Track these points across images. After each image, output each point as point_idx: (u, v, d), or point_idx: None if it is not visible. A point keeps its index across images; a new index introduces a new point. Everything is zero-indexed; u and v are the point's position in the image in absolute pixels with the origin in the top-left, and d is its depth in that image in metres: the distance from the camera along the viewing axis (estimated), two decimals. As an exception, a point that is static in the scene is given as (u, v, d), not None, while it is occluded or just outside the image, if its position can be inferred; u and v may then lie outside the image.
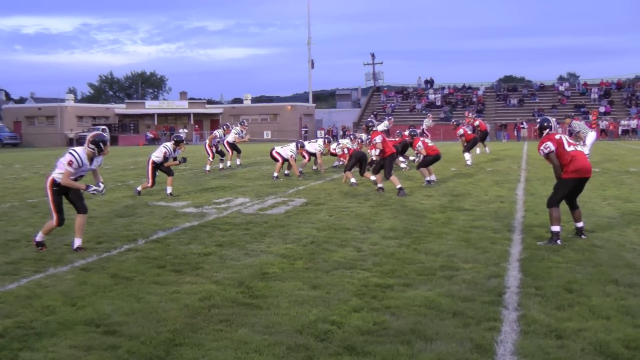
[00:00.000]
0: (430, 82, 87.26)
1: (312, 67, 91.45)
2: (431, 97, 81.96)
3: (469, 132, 27.41)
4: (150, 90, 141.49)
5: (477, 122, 31.58)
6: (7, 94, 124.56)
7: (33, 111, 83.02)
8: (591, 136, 24.18)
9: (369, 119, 17.60)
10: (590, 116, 63.78)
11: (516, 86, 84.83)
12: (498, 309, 6.36)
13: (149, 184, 16.89)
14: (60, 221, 9.76)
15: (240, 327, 5.94)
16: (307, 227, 11.46)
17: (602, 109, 68.80)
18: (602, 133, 57.86)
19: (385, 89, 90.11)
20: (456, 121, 29.12)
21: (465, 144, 26.21)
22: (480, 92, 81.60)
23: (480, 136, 29.08)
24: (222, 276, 7.94)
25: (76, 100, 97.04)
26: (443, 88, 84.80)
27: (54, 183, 9.81)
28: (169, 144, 17.22)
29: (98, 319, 6.26)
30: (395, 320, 6.08)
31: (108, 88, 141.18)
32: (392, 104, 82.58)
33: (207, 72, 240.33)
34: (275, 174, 21.16)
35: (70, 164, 9.31)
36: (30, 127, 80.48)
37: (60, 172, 9.73)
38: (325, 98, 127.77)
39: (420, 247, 9.45)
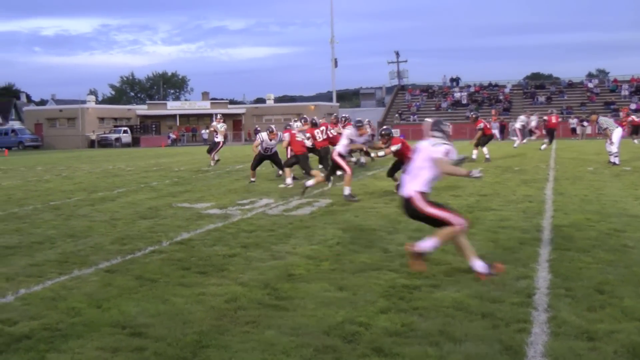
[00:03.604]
0: (455, 80, 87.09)
1: (336, 65, 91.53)
2: (457, 95, 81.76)
3: (489, 127, 27.47)
4: (172, 91, 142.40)
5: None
6: (28, 96, 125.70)
7: (54, 113, 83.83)
8: (617, 132, 24.01)
9: (385, 127, 17.43)
10: (621, 113, 63.26)
11: (544, 83, 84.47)
12: (528, 311, 6.36)
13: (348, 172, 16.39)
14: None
15: (267, 329, 5.99)
16: (332, 228, 11.50)
17: (632, 106, 68.21)
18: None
19: (410, 87, 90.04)
20: (475, 113, 29.09)
21: (479, 138, 26.26)
22: (507, 90, 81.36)
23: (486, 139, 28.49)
24: (248, 278, 8.00)
25: (97, 102, 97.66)
26: (469, 86, 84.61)
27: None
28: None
29: (124, 321, 6.33)
30: (423, 322, 6.10)
31: (129, 89, 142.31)
32: (417, 103, 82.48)
33: (228, 72, 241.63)
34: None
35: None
36: (51, 129, 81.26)
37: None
38: (349, 97, 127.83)
39: (447, 248, 9.40)
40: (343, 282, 7.70)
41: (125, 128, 79.62)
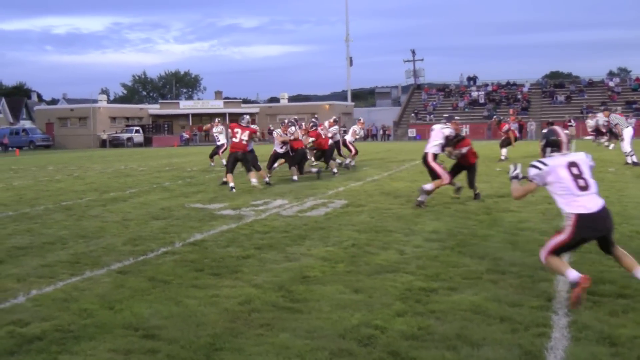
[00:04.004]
0: (473, 79, 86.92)
1: (351, 64, 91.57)
2: (474, 94, 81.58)
3: (514, 130, 27.45)
4: (185, 90, 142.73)
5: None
6: (39, 96, 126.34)
7: (65, 112, 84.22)
8: (628, 131, 23.94)
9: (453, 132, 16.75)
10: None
11: (563, 82, 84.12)
12: (547, 315, 6.33)
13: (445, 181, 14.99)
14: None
15: (281, 332, 6.00)
16: (347, 229, 11.50)
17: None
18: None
19: (426, 86, 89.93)
20: (498, 117, 29.06)
21: (505, 140, 26.24)
22: (525, 89, 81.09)
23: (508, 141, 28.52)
24: (262, 280, 8.01)
25: (109, 101, 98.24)
26: (486, 85, 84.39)
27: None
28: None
29: (136, 323, 6.36)
30: (441, 325, 6.09)
31: (141, 88, 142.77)
32: (434, 102, 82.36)
33: (241, 70, 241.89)
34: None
35: None
36: (62, 128, 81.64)
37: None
38: (364, 96, 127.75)
39: (464, 250, 9.44)
40: (359, 284, 7.69)
41: (137, 127, 79.89)
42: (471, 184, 15.27)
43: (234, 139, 18.74)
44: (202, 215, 13.59)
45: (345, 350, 5.49)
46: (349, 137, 27.15)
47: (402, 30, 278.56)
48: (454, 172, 15.18)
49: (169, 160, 36.24)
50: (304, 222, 12.35)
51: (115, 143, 76.27)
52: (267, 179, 19.87)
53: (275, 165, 21.69)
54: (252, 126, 20.42)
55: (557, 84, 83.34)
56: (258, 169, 19.79)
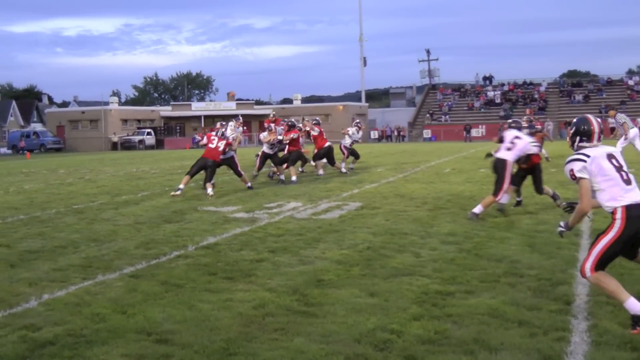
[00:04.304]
0: (489, 79, 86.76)
1: (365, 64, 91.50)
2: (490, 94, 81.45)
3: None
4: (197, 92, 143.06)
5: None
6: (50, 98, 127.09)
7: (76, 115, 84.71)
8: (633, 132, 23.93)
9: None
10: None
11: (581, 81, 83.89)
12: (567, 318, 6.31)
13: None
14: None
15: (296, 336, 6.00)
16: (362, 232, 11.50)
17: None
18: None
19: (442, 86, 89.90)
20: (529, 117, 28.93)
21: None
22: (542, 88, 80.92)
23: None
24: (276, 283, 8.02)
25: (120, 103, 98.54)
26: (502, 85, 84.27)
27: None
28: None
29: (149, 327, 6.37)
30: (458, 329, 6.08)
31: (153, 90, 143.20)
32: (449, 102, 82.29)
33: (254, 71, 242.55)
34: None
35: None
36: (73, 131, 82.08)
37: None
38: (378, 97, 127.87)
39: (481, 253, 9.42)
40: (374, 287, 7.69)
41: (149, 130, 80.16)
42: (539, 188, 14.26)
43: (210, 145, 18.64)
44: (215, 219, 13.62)
45: (360, 355, 5.49)
46: (344, 141, 26.52)
47: (416, 30, 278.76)
48: (519, 179, 14.21)
49: (181, 163, 36.26)
50: (318, 225, 12.36)
51: (127, 145, 76.56)
52: (249, 184, 19.71)
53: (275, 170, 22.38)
54: (238, 129, 20.97)
55: (574, 83, 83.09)
56: (239, 174, 19.74)
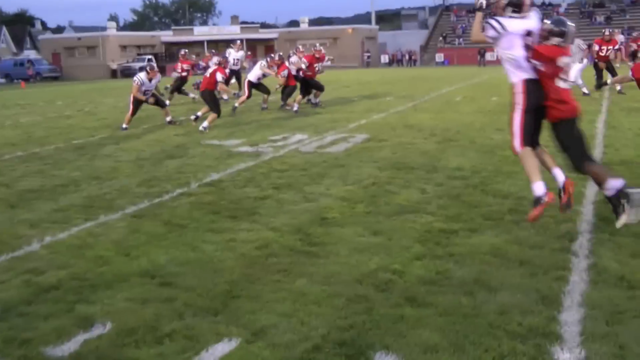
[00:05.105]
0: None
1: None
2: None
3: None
4: (199, 15, 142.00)
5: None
6: (43, 23, 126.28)
7: (72, 42, 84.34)
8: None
9: None
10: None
11: (603, 1, 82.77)
12: (568, 257, 6.53)
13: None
14: None
15: (298, 278, 6.25)
16: (368, 166, 11.69)
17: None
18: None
19: (456, 7, 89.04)
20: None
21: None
22: (561, 9, 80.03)
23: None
24: (280, 222, 8.25)
25: (119, 28, 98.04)
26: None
27: None
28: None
29: (153, 270, 6.62)
30: (459, 269, 6.33)
31: (153, 14, 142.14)
32: (463, 25, 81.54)
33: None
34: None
35: None
36: (70, 58, 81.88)
37: None
38: (389, 19, 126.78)
39: (488, 189, 9.61)
40: (378, 226, 7.92)
41: (150, 56, 79.59)
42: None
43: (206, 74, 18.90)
44: (218, 153, 13.83)
45: (362, 296, 5.72)
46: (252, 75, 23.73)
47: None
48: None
49: (184, 92, 36.26)
50: (324, 159, 12.56)
51: (127, 73, 76.01)
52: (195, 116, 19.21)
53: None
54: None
55: (596, 3, 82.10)
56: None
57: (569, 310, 5.29)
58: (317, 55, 23.11)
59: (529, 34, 7.37)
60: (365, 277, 6.21)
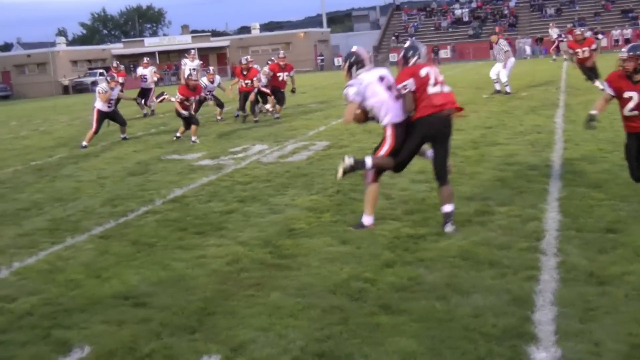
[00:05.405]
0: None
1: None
2: (457, 12, 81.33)
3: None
4: (149, 26, 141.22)
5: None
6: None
7: (22, 59, 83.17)
8: (511, 62, 24.19)
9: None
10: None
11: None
12: (536, 256, 6.70)
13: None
14: None
15: (272, 291, 6.33)
16: (331, 174, 11.66)
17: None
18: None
19: (406, 6, 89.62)
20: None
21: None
22: (512, 4, 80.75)
23: None
24: (248, 236, 8.32)
25: (68, 43, 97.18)
26: (470, 1, 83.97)
27: None
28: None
29: (126, 291, 6.65)
30: (430, 274, 6.45)
31: (102, 27, 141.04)
32: (415, 23, 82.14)
33: (207, 0, 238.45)
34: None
35: None
36: (20, 76, 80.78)
37: None
38: (340, 20, 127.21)
39: (456, 193, 9.69)
40: (346, 235, 8.03)
41: (101, 70, 79.02)
42: None
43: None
44: (180, 168, 13.84)
45: (336, 306, 5.82)
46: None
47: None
48: None
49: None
50: (286, 169, 12.64)
51: (79, 88, 75.37)
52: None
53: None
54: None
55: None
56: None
57: (542, 309, 5.44)
58: (281, 64, 22.14)
59: (382, 79, 8.18)
60: (338, 287, 6.31)
